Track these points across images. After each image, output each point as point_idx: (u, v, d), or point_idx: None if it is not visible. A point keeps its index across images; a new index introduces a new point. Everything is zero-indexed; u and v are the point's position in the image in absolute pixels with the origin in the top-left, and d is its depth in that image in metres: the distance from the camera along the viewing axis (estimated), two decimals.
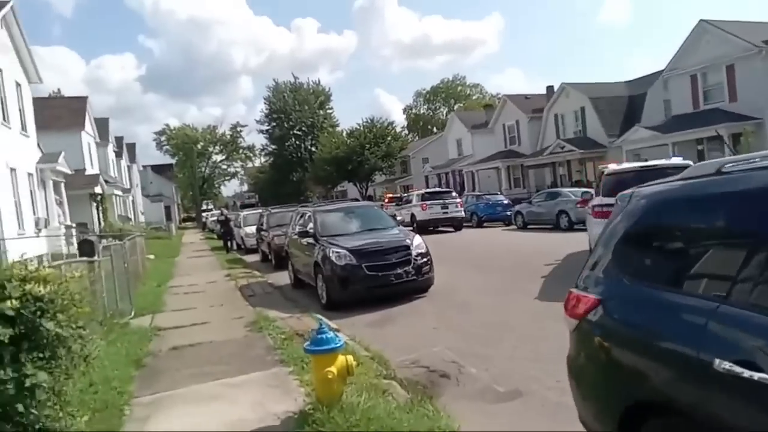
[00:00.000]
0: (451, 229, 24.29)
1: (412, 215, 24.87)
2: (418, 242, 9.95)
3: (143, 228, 38.59)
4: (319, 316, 8.40)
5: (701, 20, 27.07)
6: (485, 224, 26.37)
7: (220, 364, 6.30)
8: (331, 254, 9.49)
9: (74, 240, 20.37)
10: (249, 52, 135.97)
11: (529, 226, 22.81)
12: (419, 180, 53.25)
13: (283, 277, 13.58)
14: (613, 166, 9.92)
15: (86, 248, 8.69)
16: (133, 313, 9.28)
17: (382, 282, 9.28)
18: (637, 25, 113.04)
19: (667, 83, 30.67)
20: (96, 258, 8.91)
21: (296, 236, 11.86)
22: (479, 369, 5.77)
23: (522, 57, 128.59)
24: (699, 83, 27.54)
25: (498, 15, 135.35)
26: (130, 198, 44.20)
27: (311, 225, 11.05)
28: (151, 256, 21.66)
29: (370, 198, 50.97)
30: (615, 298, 2.92)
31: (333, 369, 4.37)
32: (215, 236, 34.31)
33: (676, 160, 9.91)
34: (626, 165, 10.33)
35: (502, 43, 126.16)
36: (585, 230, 19.98)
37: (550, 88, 40.07)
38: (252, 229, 21.78)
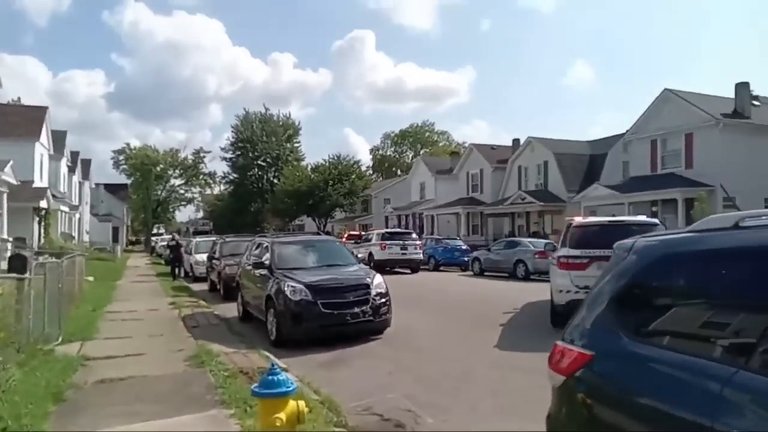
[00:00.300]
0: (408, 271, 23.96)
1: (370, 254, 24.44)
2: (378, 281, 9.54)
3: (86, 248, 36.80)
4: (268, 354, 7.82)
5: (666, 89, 28.34)
6: (442, 268, 26.19)
7: (152, 402, 5.63)
8: (285, 288, 8.96)
9: (7, 254, 19.01)
10: (223, 80, 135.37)
11: (485, 273, 22.73)
12: (379, 220, 53.11)
13: (230, 309, 12.86)
14: (579, 219, 9.85)
15: (17, 264, 7.85)
16: (60, 339, 8.44)
17: (338, 321, 8.78)
18: (598, 90, 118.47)
19: (628, 146, 31.77)
20: (27, 275, 8.11)
21: (250, 267, 11.28)
22: (437, 420, 5.33)
23: (489, 110, 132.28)
24: (658, 148, 28.59)
25: (471, 68, 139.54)
26: (77, 215, 42.29)
27: (267, 256, 10.52)
28: (90, 278, 20.40)
29: (328, 234, 50.38)
30: (612, 355, 2.58)
31: (282, 416, 3.84)
32: (163, 261, 32.98)
33: (641, 218, 9.94)
34: (593, 219, 10.28)
35: (472, 95, 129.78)
36: (542, 281, 20.35)
37: (516, 141, 40.99)
38: (203, 257, 20.90)
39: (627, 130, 36.32)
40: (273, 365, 4.11)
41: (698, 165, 26.58)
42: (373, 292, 9.22)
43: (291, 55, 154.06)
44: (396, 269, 24.28)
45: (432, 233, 40.61)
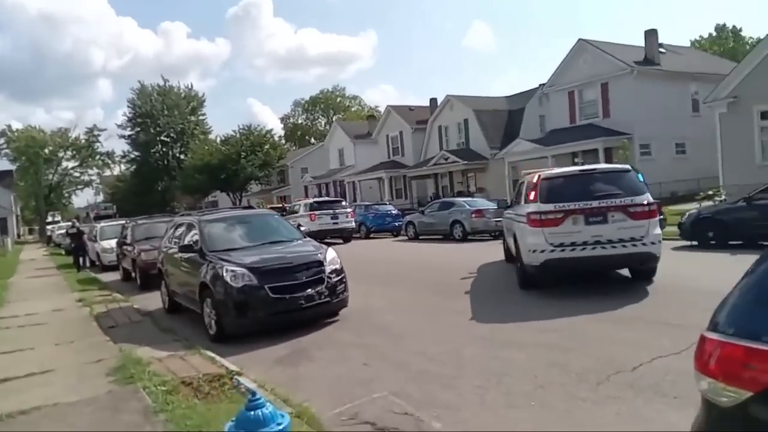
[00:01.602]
0: (341, 241, 22.81)
1: (299, 226, 22.86)
2: (331, 256, 8.33)
3: None
4: (214, 356, 6.47)
5: (580, 39, 28.49)
6: (372, 235, 25.29)
7: None
8: (224, 273, 7.55)
9: None
10: (110, 54, 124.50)
11: (420, 237, 22.06)
12: (298, 190, 51.32)
13: (152, 300, 11.23)
14: (548, 171, 9.07)
15: None
16: None
17: (290, 306, 7.52)
18: (498, 50, 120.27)
19: (545, 99, 32.00)
20: None
21: (174, 250, 9.69)
22: (445, 423, 4.32)
23: (395, 74, 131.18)
24: (576, 99, 28.92)
25: (373, 32, 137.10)
26: None
27: (195, 237, 8.98)
28: None
29: (251, 208, 47.84)
30: None
31: None
32: (63, 251, 29.71)
33: (609, 165, 9.36)
34: (560, 169, 9.57)
35: (377, 59, 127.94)
36: (479, 240, 20.00)
37: (433, 101, 40.40)
38: (110, 243, 18.59)
39: (541, 84, 36.77)
40: (253, 394, 2.87)
41: (615, 114, 27.16)
42: (328, 269, 8.02)
43: (183, 25, 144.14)
44: (326, 240, 23.07)
45: (355, 200, 39.56)
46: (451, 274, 11.50)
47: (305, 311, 7.65)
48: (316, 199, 25.08)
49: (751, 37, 63.28)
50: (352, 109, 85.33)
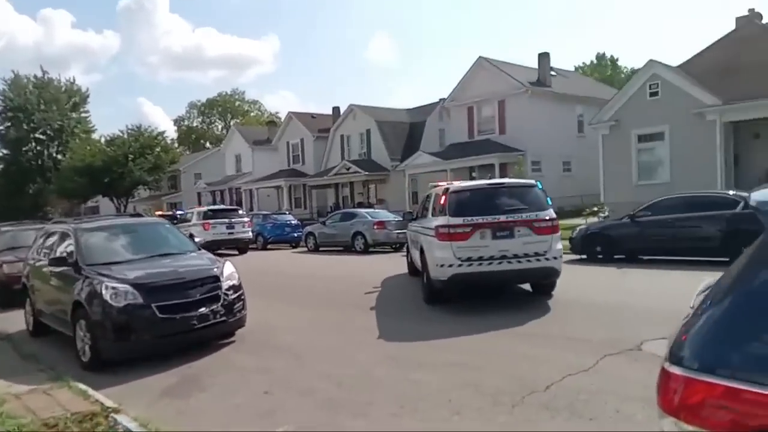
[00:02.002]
0: (236, 252, 21.73)
1: (191, 235, 21.48)
2: (229, 271, 7.65)
3: None
4: (86, 388, 5.61)
5: (480, 57, 29.53)
6: (270, 246, 24.41)
7: None
8: (102, 290, 6.64)
9: None
10: None
11: (321, 249, 21.59)
12: (190, 197, 48.79)
13: (14, 321, 9.80)
14: (457, 184, 9.00)
15: None
16: None
17: (181, 327, 6.77)
18: (398, 63, 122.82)
19: (447, 113, 32.86)
20: None
21: (42, 263, 8.51)
22: None
23: (295, 81, 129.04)
24: (475, 115, 29.92)
25: (275, 37, 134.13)
26: None
27: (69, 248, 7.92)
28: None
29: (139, 216, 44.59)
30: None
31: None
32: None
33: (516, 180, 9.51)
34: (470, 182, 9.60)
35: (278, 64, 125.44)
36: (382, 252, 19.86)
37: (336, 109, 40.12)
38: None
39: (441, 98, 37.78)
40: None
41: (510, 130, 28.40)
42: (225, 286, 7.34)
43: (67, 13, 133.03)
44: (220, 251, 21.89)
45: (252, 209, 38.24)
46: (355, 288, 11.16)
47: (198, 332, 6.93)
48: (211, 207, 23.77)
49: (626, 67, 69.70)
50: (251, 114, 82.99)
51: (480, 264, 7.90)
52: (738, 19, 25.13)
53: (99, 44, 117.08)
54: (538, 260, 7.96)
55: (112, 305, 6.55)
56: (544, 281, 8.61)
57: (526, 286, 9.39)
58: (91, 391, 5.52)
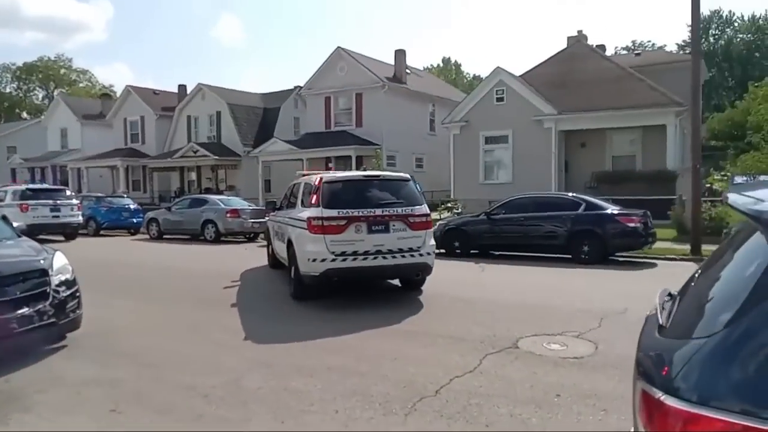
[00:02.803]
0: (62, 238, 19.00)
1: (3, 218, 18.42)
2: (60, 263, 6.37)
3: None
4: None
5: (339, 47, 29.20)
6: (103, 232, 21.81)
7: None
8: None
9: None
10: None
11: (165, 237, 19.77)
12: (2, 174, 42.09)
13: None
14: (331, 174, 8.50)
15: None
16: None
17: None
18: (245, 45, 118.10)
19: (303, 101, 32.09)
20: None
21: None
22: None
23: (131, 53, 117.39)
24: (332, 105, 29.57)
25: (108, 3, 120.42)
26: None
27: None
28: None
29: None
30: None
31: None
32: None
33: (392, 173, 9.26)
34: (343, 173, 9.14)
35: (110, 33, 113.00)
36: (234, 242, 18.64)
37: (182, 87, 37.26)
38: None
39: (297, 86, 36.89)
40: None
41: (367, 124, 28.58)
42: (55, 281, 6.09)
43: None
44: (40, 236, 18.97)
45: (80, 190, 34.03)
46: (211, 281, 10.20)
47: (19, 337, 5.65)
48: (31, 186, 20.44)
49: (468, 73, 74.57)
50: (80, 84, 74.06)
51: (355, 259, 7.54)
52: (569, 38, 27.85)
53: None
54: (412, 256, 7.82)
55: None
56: (417, 277, 8.52)
57: (395, 281, 9.26)
58: None
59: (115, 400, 4.69)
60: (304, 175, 9.88)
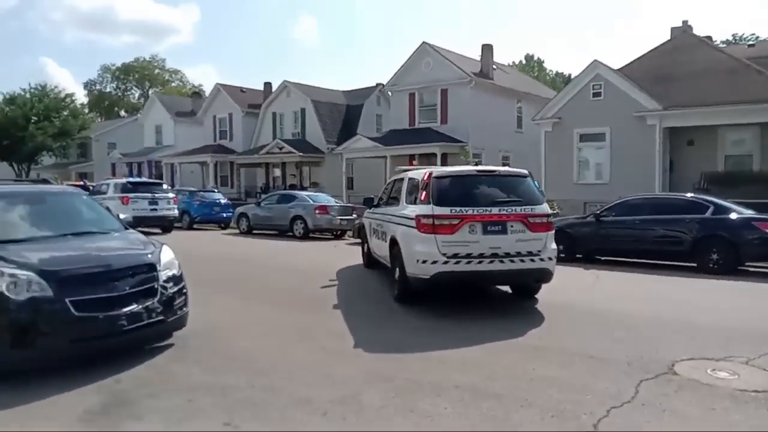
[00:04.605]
0: (159, 231, 19.60)
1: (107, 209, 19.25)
2: (167, 258, 6.15)
3: None
4: None
5: (424, 42, 28.60)
6: (197, 226, 22.39)
7: None
8: None
9: None
10: None
11: (254, 232, 19.93)
12: (103, 167, 44.84)
13: None
14: (440, 169, 7.88)
15: None
16: None
17: (105, 329, 5.24)
18: (322, 46, 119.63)
19: (385, 98, 31.79)
20: None
21: None
22: None
23: (216, 55, 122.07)
24: (416, 102, 29.00)
25: (195, 6, 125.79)
26: None
27: None
28: None
29: (44, 183, 40.15)
30: None
31: None
32: None
33: (507, 168, 8.53)
34: (455, 168, 8.54)
35: (197, 36, 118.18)
36: (323, 239, 18.43)
37: (268, 85, 37.94)
38: None
39: (379, 83, 36.64)
40: None
41: (452, 120, 27.78)
42: (162, 276, 5.86)
43: None
44: (139, 229, 19.64)
45: (173, 184, 35.44)
46: (307, 279, 9.87)
47: (127, 336, 5.43)
48: (131, 180, 21.30)
49: (551, 70, 71.85)
50: (172, 84, 77.89)
51: (469, 262, 6.87)
52: (673, 29, 25.76)
53: None
54: (532, 260, 7.04)
55: (9, 298, 4.93)
56: (537, 284, 7.74)
57: (504, 287, 8.53)
58: None
59: (229, 412, 4.29)
60: (404, 171, 9.33)
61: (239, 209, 21.10)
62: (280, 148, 32.26)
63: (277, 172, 34.81)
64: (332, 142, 32.37)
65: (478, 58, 30.74)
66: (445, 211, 6.92)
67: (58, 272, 5.21)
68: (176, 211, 20.28)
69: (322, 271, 10.58)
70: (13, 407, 4.38)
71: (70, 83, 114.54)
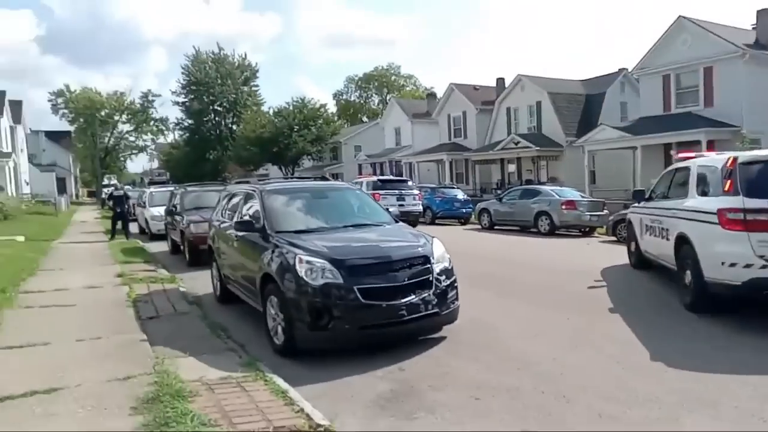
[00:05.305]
0: None
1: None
2: (440, 251, 6.15)
3: (22, 200, 32.26)
4: (286, 388, 4.42)
5: (680, 16, 25.13)
6: (438, 221, 23.03)
7: None
8: (296, 264, 5.49)
9: None
10: (162, 23, 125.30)
11: (496, 227, 19.68)
12: (350, 168, 49.41)
13: (202, 281, 9.42)
14: (747, 154, 6.52)
15: None
16: None
17: (387, 318, 5.41)
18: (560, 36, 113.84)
19: (630, 84, 28.85)
20: None
21: (227, 226, 7.77)
22: None
23: (441, 57, 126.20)
24: (672, 84, 25.61)
25: (419, 18, 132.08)
26: (11, 163, 36.89)
27: (254, 211, 6.99)
28: (20, 238, 16.40)
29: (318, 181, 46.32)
30: None
31: None
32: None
33: None
34: (764, 152, 7.05)
35: (419, 42, 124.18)
36: (570, 236, 17.35)
37: (500, 80, 37.50)
38: (160, 211, 16.96)
39: (621, 68, 33.37)
40: None
41: (719, 102, 23.80)
42: (436, 269, 5.86)
43: None
44: None
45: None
46: (568, 279, 9.18)
47: (406, 326, 5.52)
48: (380, 177, 22.86)
49: None
50: (407, 88, 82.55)
51: None
52: None
53: (261, 25, 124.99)
54: None
55: (308, 283, 5.37)
56: None
57: None
58: (292, 392, 4.34)
59: (523, 418, 3.98)
60: (685, 158, 8.03)
61: (480, 205, 21.08)
62: (516, 143, 31.55)
63: (513, 167, 34.15)
64: (571, 135, 30.51)
65: (750, 27, 25.84)
66: (760, 204, 5.63)
67: (347, 261, 5.52)
68: (421, 207, 21.14)
69: (582, 271, 9.75)
70: (314, 383, 4.73)
71: (321, 97, 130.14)
